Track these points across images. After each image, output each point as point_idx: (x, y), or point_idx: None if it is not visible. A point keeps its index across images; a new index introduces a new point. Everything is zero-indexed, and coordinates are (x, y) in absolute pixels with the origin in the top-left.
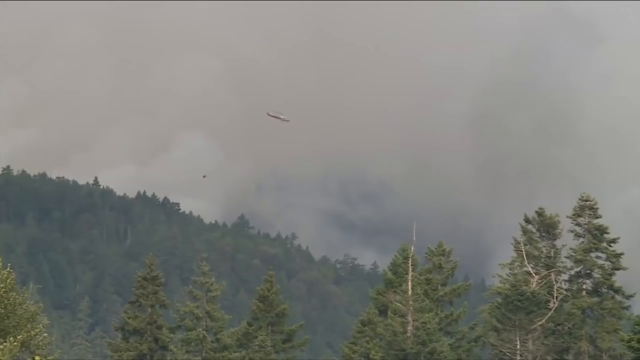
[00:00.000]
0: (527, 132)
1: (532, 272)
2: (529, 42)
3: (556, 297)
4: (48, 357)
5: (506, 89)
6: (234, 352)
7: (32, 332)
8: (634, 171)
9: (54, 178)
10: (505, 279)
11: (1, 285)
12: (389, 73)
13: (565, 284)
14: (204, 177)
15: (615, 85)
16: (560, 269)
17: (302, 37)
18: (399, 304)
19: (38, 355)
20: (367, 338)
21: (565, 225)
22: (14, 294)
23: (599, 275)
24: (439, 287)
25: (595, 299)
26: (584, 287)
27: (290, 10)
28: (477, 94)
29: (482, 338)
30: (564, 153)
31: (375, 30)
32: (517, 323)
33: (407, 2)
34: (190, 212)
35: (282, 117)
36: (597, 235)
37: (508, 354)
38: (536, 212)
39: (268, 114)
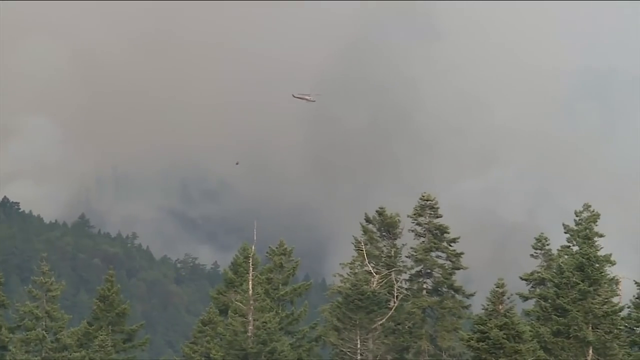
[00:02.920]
0: (364, 126)
1: (372, 271)
2: (365, 35)
3: (396, 297)
4: None
5: (342, 83)
6: (74, 352)
7: None
8: (469, 164)
9: None
10: (346, 278)
11: None
12: (226, 69)
13: (405, 284)
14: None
15: (452, 79)
16: (401, 268)
17: (147, 32)
18: (240, 304)
19: None
20: (208, 338)
21: (406, 224)
22: None
23: (439, 275)
24: (280, 287)
25: (436, 298)
26: (425, 286)
27: (138, 4)
28: (313, 88)
29: (322, 337)
30: (400, 146)
31: (214, 27)
32: (357, 322)
33: (247, 1)
34: (30, 211)
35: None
36: (438, 234)
37: (348, 353)
38: (377, 211)
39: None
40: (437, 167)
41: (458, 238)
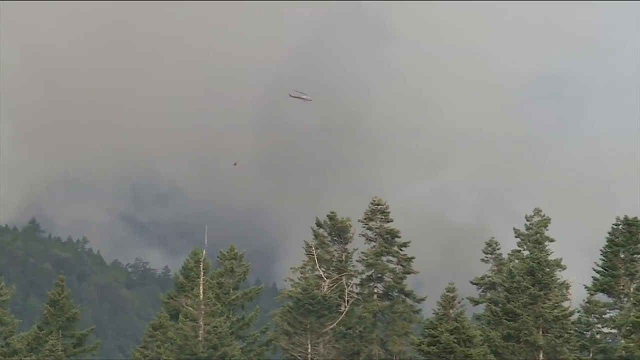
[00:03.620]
0: (315, 129)
1: (323, 275)
2: (316, 37)
3: (347, 301)
4: None
5: (293, 85)
6: (25, 356)
7: None
8: (420, 166)
9: None
10: (297, 282)
11: None
12: (178, 72)
13: (356, 288)
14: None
15: (404, 80)
16: (352, 272)
17: (100, 36)
18: (191, 308)
19: None
20: (158, 342)
21: (357, 229)
22: None
23: (390, 279)
24: (231, 291)
25: (386, 303)
26: (375, 290)
27: (91, 7)
28: (264, 91)
29: (273, 342)
30: (351, 148)
31: (166, 30)
32: (308, 327)
33: (198, 2)
34: None
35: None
36: (389, 239)
37: (299, 357)
38: (328, 216)
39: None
40: (388, 169)
41: (409, 242)
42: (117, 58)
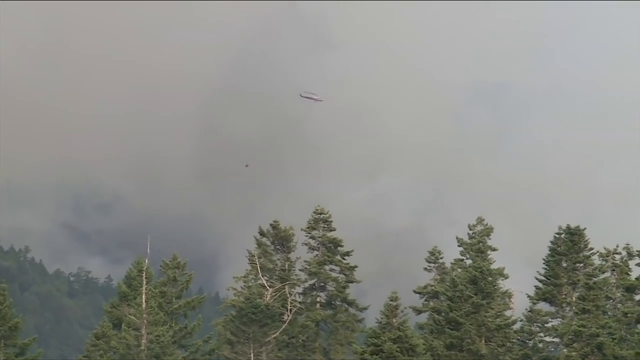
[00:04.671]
0: (254, 136)
1: (266, 284)
2: (256, 44)
3: (290, 310)
4: None
5: (232, 92)
6: None
7: None
8: (360, 173)
9: None
10: (240, 291)
11: None
12: (118, 78)
13: (299, 297)
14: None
15: (344, 88)
16: (295, 281)
17: (40, 42)
18: (133, 317)
19: None
20: (101, 351)
21: (300, 238)
22: None
23: (333, 288)
24: (174, 300)
25: (329, 312)
26: (318, 299)
27: (30, 14)
28: (203, 98)
29: (216, 351)
30: (291, 156)
31: (105, 38)
32: (251, 336)
33: (137, 6)
34: None
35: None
36: (332, 248)
37: None
38: (271, 225)
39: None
40: (327, 175)
41: (352, 251)
42: (57, 65)
